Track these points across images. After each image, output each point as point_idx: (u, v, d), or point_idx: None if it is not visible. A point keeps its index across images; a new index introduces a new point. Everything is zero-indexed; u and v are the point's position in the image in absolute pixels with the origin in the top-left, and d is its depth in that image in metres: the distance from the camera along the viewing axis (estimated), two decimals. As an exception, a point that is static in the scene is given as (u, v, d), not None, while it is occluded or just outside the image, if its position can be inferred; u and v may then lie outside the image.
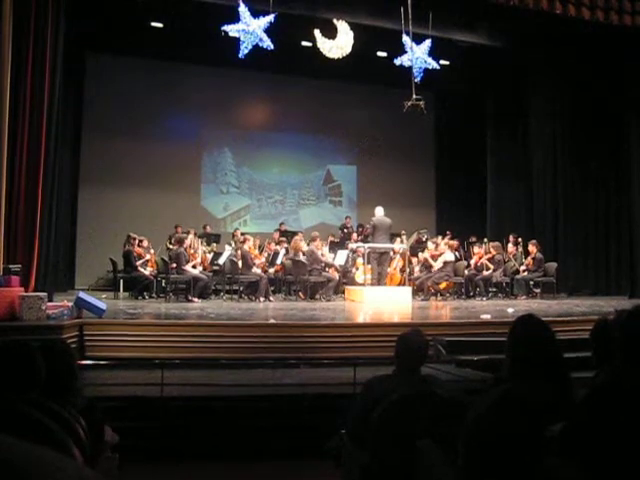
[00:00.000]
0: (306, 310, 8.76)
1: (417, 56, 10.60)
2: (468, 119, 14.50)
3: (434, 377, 3.38)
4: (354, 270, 11.79)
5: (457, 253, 12.04)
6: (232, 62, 10.54)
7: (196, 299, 9.86)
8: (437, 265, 11.25)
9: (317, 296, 10.72)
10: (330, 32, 10.48)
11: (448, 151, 15.55)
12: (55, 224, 8.82)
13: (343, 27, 10.46)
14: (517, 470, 1.77)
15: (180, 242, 10.27)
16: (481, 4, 10.20)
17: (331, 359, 6.28)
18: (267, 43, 9.76)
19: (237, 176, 14.97)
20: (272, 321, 7.37)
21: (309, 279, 10.64)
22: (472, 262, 11.90)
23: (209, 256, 11.56)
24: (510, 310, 8.68)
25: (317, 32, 10.47)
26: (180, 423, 4.81)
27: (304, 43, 11.40)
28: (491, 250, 11.68)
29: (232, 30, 9.62)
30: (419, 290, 11.43)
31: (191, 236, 11.07)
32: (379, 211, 10.93)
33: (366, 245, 11.02)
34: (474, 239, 13.18)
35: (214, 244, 12.35)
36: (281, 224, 13.75)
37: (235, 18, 9.59)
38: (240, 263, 10.46)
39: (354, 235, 13.11)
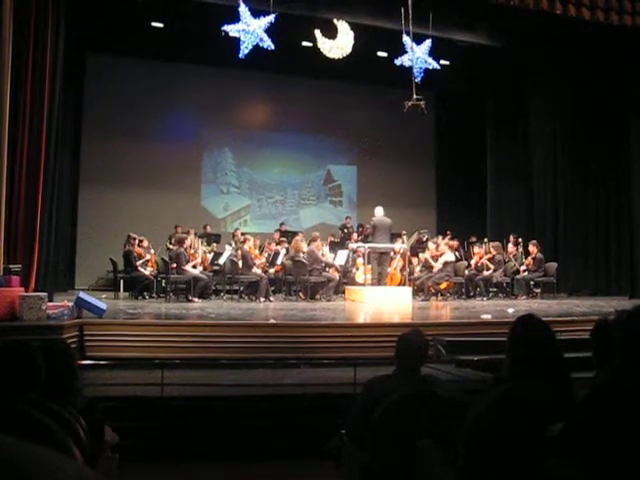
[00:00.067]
0: (306, 310, 8.76)
1: (417, 56, 10.60)
2: (468, 119, 14.50)
3: (434, 377, 3.38)
4: (354, 270, 11.79)
5: (457, 253, 12.04)
6: (232, 62, 10.54)
7: (196, 299, 9.86)
8: (437, 265, 11.25)
9: (317, 296, 10.71)
10: (330, 32, 10.48)
11: (448, 151, 15.55)
12: (55, 224, 8.81)
13: (343, 27, 10.46)
14: (517, 470, 1.77)
15: (180, 242, 10.27)
16: (481, 4, 10.20)
17: (331, 359, 6.28)
18: (267, 43, 9.76)
19: (237, 176, 14.97)
20: (272, 321, 7.36)
21: (309, 279, 10.64)
22: (472, 262, 11.90)
23: (209, 256, 11.56)
24: (510, 310, 8.67)
25: (317, 32, 10.47)
26: (180, 423, 4.81)
27: (304, 43, 11.40)
28: (491, 250, 11.68)
29: (232, 30, 9.63)
30: (419, 290, 11.43)
31: (191, 236, 11.07)
32: (379, 211, 10.93)
33: (366, 245, 11.02)
34: (474, 239, 13.18)
35: (214, 244, 12.35)
36: (281, 224, 13.75)
37: (235, 18, 9.59)
38: (240, 263, 10.46)
39: (354, 235, 13.10)
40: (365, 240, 12.08)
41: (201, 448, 4.56)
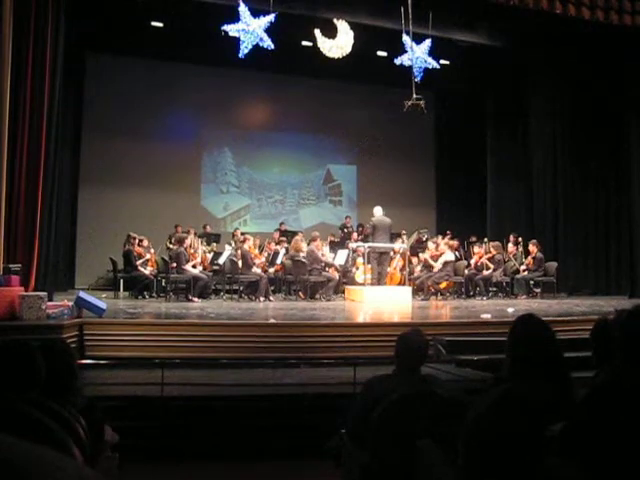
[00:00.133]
0: (306, 310, 8.76)
1: (417, 56, 10.60)
2: (468, 119, 14.50)
3: (434, 377, 3.38)
4: (354, 270, 11.79)
5: (457, 253, 12.04)
6: (232, 62, 10.54)
7: (196, 299, 9.86)
8: (437, 265, 11.25)
9: (317, 296, 10.71)
10: (330, 32, 10.48)
11: (448, 151, 15.55)
12: (55, 224, 8.82)
13: (343, 27, 10.46)
14: (517, 470, 1.77)
15: (180, 242, 10.27)
16: (481, 4, 10.20)
17: (331, 359, 6.27)
18: (267, 43, 9.76)
19: (237, 176, 14.97)
20: (272, 321, 7.36)
21: (309, 279, 10.64)
22: (472, 262, 11.90)
23: (209, 256, 11.56)
24: (510, 310, 8.67)
25: (317, 32, 10.47)
26: (180, 423, 4.81)
27: (304, 43, 11.40)
28: (491, 250, 11.69)
29: (232, 30, 9.62)
30: (419, 290, 11.43)
31: (191, 236, 11.07)
32: (378, 211, 10.92)
33: (366, 245, 11.02)
34: (474, 239, 13.18)
35: (214, 244, 12.36)
36: (281, 224, 13.75)
37: (235, 18, 9.59)
38: (240, 263, 10.46)
39: (354, 235, 13.10)
40: (365, 240, 12.07)
41: (201, 448, 4.56)
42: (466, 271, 11.67)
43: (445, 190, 15.74)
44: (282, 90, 14.26)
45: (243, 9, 9.57)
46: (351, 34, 10.43)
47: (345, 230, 13.75)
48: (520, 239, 12.16)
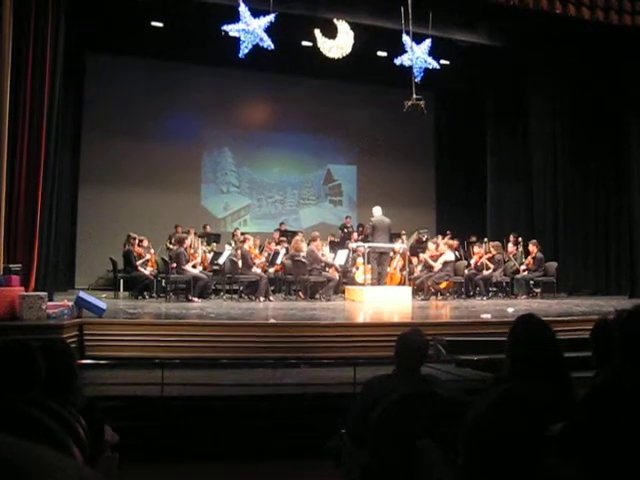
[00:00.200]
0: (306, 310, 8.76)
1: (417, 56, 10.60)
2: (468, 119, 14.50)
3: (434, 377, 3.38)
4: (354, 270, 11.79)
5: (457, 253, 12.04)
6: (232, 62, 10.54)
7: (196, 299, 9.86)
8: (437, 265, 11.25)
9: (317, 296, 10.72)
10: (330, 32, 10.48)
11: (448, 151, 15.55)
12: (55, 224, 8.82)
13: (343, 27, 10.46)
14: (517, 470, 1.77)
15: (180, 242, 10.27)
16: (481, 4, 10.20)
17: (331, 359, 6.27)
18: (267, 43, 9.76)
19: (237, 176, 14.97)
20: (272, 321, 7.36)
21: (309, 279, 10.65)
22: (472, 262, 11.90)
23: (209, 256, 11.56)
24: (510, 310, 8.67)
25: (317, 32, 10.46)
26: (180, 423, 4.81)
27: (304, 43, 11.40)
28: (491, 250, 11.69)
29: (232, 30, 9.62)
30: (419, 290, 11.43)
31: (191, 236, 11.08)
32: (377, 211, 10.92)
33: (366, 245, 11.02)
34: (474, 239, 13.18)
35: (214, 244, 12.35)
36: (281, 224, 13.75)
37: (235, 18, 9.59)
38: (240, 263, 10.46)
39: (354, 235, 13.10)
40: (365, 240, 12.07)
41: (201, 448, 4.56)
42: (466, 271, 11.67)
43: (445, 190, 15.74)
44: (282, 90, 14.26)
45: (243, 9, 9.57)
46: (351, 34, 10.43)
47: (345, 230, 13.75)
48: (520, 239, 12.16)
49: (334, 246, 12.42)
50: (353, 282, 11.52)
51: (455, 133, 14.97)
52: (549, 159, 12.71)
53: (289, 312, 8.58)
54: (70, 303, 6.78)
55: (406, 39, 10.37)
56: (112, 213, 12.94)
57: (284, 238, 12.09)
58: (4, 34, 7.68)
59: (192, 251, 10.79)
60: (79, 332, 6.31)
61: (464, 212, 14.62)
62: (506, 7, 9.91)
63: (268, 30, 9.70)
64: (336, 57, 10.49)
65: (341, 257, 11.49)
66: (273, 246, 11.84)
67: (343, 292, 11.48)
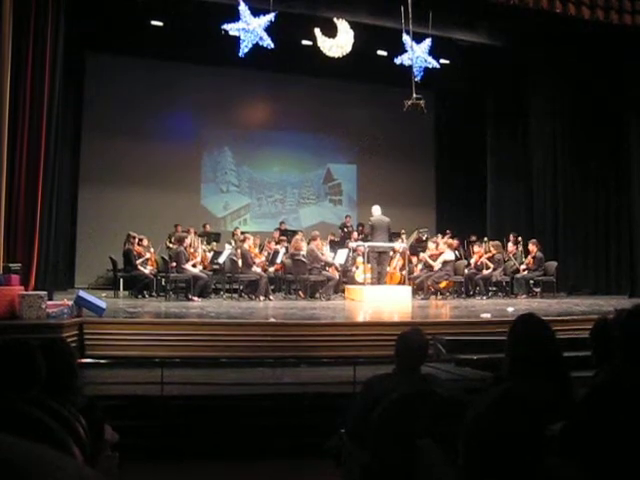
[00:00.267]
0: (306, 309, 8.76)
1: (417, 55, 10.60)
2: (468, 118, 14.49)
3: (434, 376, 3.38)
4: (354, 269, 11.79)
5: (457, 252, 12.04)
6: (232, 61, 10.55)
7: (196, 298, 9.86)
8: (437, 265, 11.25)
9: (317, 295, 10.72)
10: (330, 31, 10.47)
11: (448, 151, 15.54)
12: (55, 223, 8.82)
13: (343, 26, 10.45)
14: (517, 469, 1.77)
15: (180, 241, 10.27)
16: (481, 3, 10.20)
17: (331, 358, 6.27)
18: (267, 42, 9.76)
19: (237, 175, 14.97)
20: (272, 320, 7.37)
21: (309, 278, 10.65)
22: (472, 261, 11.89)
23: (209, 255, 11.56)
24: (510, 309, 8.67)
25: (317, 31, 10.46)
26: (180, 422, 4.81)
27: (304, 42, 11.39)
28: (491, 249, 11.69)
29: (232, 29, 9.63)
30: (419, 289, 11.43)
31: (191, 235, 11.08)
32: (376, 210, 10.91)
33: (366, 244, 11.02)
34: (474, 238, 13.17)
35: (214, 243, 12.35)
36: (281, 223, 13.75)
37: (235, 17, 9.59)
38: (240, 262, 10.46)
39: (354, 234, 13.10)
40: (365, 239, 12.08)
41: (201, 447, 4.56)
42: (466, 270, 11.67)
43: (445, 190, 15.73)
44: (282, 89, 14.26)
45: (243, 8, 9.57)
46: (351, 33, 10.43)
47: (345, 229, 13.75)
48: (520, 238, 12.16)
49: (334, 245, 12.42)
50: (353, 281, 11.52)
51: (455, 133, 14.97)
52: (549, 159, 12.71)
53: (289, 311, 8.59)
54: (70, 302, 6.78)
55: (406, 38, 10.36)
56: (112, 212, 12.93)
57: (284, 237, 12.10)
58: (4, 33, 7.68)
59: (192, 250, 10.79)
60: (79, 331, 6.31)
61: (464, 212, 14.62)
62: (506, 7, 9.91)
63: (268, 29, 9.70)
64: (336, 56, 10.49)
65: (341, 256, 11.49)
66: (273, 245, 11.85)
67: (343, 291, 11.48)
